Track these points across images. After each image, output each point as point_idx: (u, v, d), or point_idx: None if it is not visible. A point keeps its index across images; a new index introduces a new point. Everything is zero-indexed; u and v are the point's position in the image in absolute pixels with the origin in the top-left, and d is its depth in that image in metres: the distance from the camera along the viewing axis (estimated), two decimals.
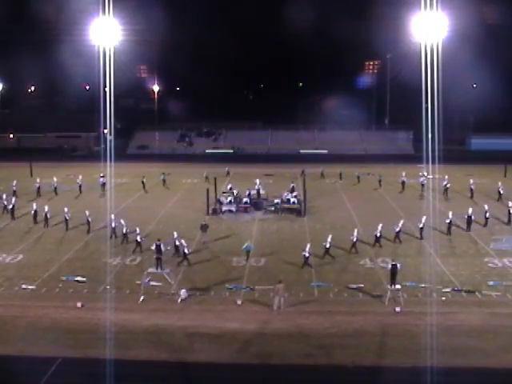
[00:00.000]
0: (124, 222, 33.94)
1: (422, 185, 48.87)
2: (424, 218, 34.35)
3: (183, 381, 19.46)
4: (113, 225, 34.32)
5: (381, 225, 33.09)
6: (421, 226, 34.04)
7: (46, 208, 37.83)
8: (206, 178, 53.76)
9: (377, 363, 19.93)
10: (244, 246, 30.22)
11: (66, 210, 37.12)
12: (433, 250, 31.64)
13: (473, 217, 36.20)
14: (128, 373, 19.33)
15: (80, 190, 49.01)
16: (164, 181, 52.85)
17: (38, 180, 49.21)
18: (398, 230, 33.45)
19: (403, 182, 50.02)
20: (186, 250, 29.59)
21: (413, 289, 26.27)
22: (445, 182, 46.63)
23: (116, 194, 45.95)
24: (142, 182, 51.02)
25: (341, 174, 56.14)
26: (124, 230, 33.38)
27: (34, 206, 38.60)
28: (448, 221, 35.10)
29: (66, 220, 36.61)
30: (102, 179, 49.81)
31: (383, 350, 20.75)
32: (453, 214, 35.64)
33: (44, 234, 36.02)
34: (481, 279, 27.66)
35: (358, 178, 54.66)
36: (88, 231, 35.75)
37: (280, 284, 24.51)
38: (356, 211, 42.10)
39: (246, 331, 22.33)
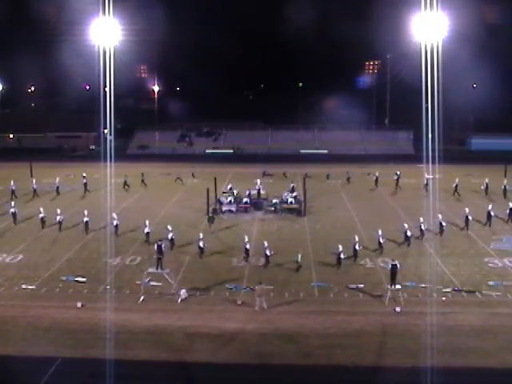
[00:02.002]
0: (171, 227, 33.24)
1: (397, 182, 50.58)
2: (440, 216, 34.88)
3: (183, 381, 19.47)
4: (146, 230, 33.44)
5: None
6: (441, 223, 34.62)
7: (59, 211, 36.77)
8: (178, 178, 54.17)
9: (377, 363, 19.94)
10: (299, 259, 29.41)
11: (86, 212, 36.20)
12: (433, 250, 31.64)
13: (492, 213, 36.89)
14: (128, 373, 19.33)
15: (57, 191, 47.91)
16: (143, 181, 51.86)
17: (12, 182, 47.44)
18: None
19: (376, 179, 51.35)
20: (267, 252, 29.71)
21: (413, 289, 26.28)
22: (455, 183, 47.10)
23: (116, 194, 45.94)
24: (125, 182, 50.10)
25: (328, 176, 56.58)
26: (170, 236, 32.40)
27: (42, 210, 37.25)
28: (465, 217, 36.10)
29: (87, 222, 35.65)
30: (84, 179, 48.93)
31: (383, 350, 20.76)
32: (455, 213, 35.94)
33: (44, 235, 35.99)
34: (481, 279, 27.68)
35: (348, 179, 54.68)
36: (116, 233, 34.87)
37: (260, 285, 24.78)
38: (356, 211, 42.09)
39: (246, 331, 22.34)
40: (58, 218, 36.36)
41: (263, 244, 30.21)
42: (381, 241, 31.73)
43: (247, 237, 31.22)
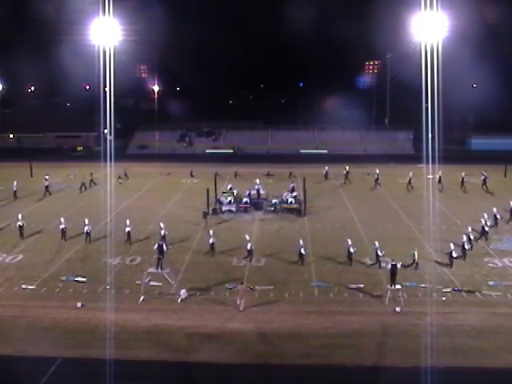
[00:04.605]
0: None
1: (345, 176, 53.59)
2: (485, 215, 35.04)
3: (183, 381, 19.47)
4: (162, 233, 32.44)
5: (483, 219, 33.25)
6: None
7: (87, 221, 34.02)
8: (119, 177, 53.64)
9: (377, 363, 19.94)
10: (415, 256, 29.08)
11: (128, 222, 34.05)
12: (433, 250, 31.63)
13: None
14: (128, 373, 19.34)
15: (15, 195, 45.75)
16: (91, 181, 50.74)
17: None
18: (486, 228, 33.83)
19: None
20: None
21: (413, 289, 26.29)
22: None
23: (116, 194, 45.90)
24: (82, 185, 49.46)
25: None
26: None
27: (62, 221, 34.61)
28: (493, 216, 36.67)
29: (129, 233, 33.59)
30: (46, 182, 47.76)
31: (383, 350, 20.76)
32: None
33: (44, 235, 35.95)
34: (481, 279, 27.68)
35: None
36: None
37: (241, 285, 24.96)
38: (356, 211, 42.08)
39: (246, 331, 22.34)
40: (86, 228, 33.70)
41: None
42: (486, 228, 32.93)
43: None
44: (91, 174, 51.52)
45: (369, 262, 30.14)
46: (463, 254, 30.06)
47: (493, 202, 43.14)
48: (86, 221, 34.17)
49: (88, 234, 33.74)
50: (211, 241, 31.42)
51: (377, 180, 51.54)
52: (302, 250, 29.67)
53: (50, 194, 47.49)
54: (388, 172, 53.88)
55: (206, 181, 49.95)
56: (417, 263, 28.81)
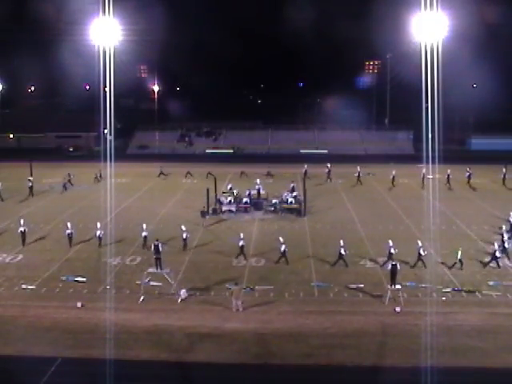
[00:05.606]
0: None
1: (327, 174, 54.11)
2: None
3: (183, 381, 19.47)
4: (184, 236, 32.35)
5: None
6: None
7: (99, 225, 33.22)
8: (96, 177, 52.81)
9: (377, 363, 19.94)
10: (459, 256, 28.98)
11: (144, 226, 33.19)
12: (433, 250, 31.61)
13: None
14: (128, 373, 19.35)
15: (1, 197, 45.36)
16: (69, 181, 50.64)
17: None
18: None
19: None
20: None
21: (413, 289, 26.29)
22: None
23: (116, 194, 45.89)
24: (64, 186, 49.68)
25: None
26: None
27: (69, 226, 33.38)
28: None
29: (145, 238, 32.45)
30: (30, 183, 47.15)
31: (383, 350, 20.76)
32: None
33: (44, 235, 35.94)
34: (481, 279, 27.68)
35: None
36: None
37: (236, 286, 24.90)
38: (356, 211, 42.08)
39: (246, 331, 22.34)
40: (98, 232, 32.90)
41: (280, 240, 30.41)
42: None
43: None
44: (69, 174, 51.76)
45: (369, 262, 30.16)
46: (506, 254, 30.25)
47: (492, 202, 43.27)
48: (98, 225, 33.26)
49: (100, 238, 32.90)
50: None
51: (358, 177, 52.41)
52: (343, 251, 29.24)
53: (32, 195, 47.01)
54: (387, 172, 53.76)
55: (203, 181, 49.98)
56: (461, 262, 28.72)
